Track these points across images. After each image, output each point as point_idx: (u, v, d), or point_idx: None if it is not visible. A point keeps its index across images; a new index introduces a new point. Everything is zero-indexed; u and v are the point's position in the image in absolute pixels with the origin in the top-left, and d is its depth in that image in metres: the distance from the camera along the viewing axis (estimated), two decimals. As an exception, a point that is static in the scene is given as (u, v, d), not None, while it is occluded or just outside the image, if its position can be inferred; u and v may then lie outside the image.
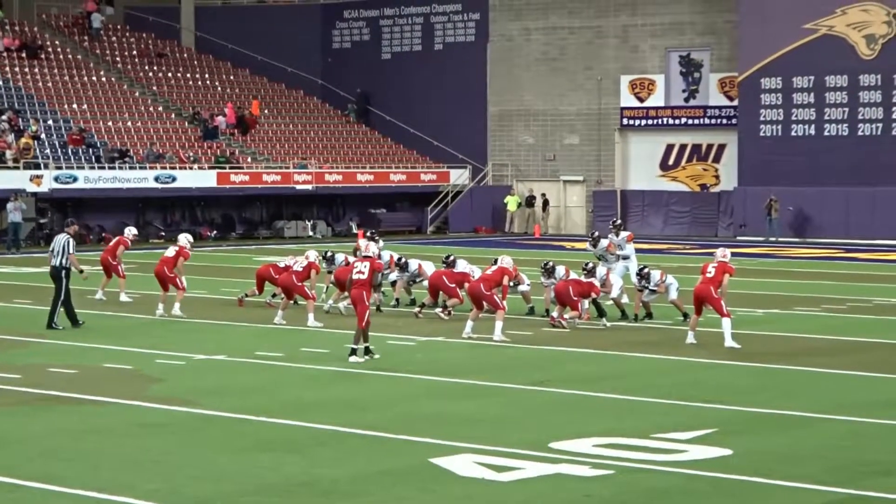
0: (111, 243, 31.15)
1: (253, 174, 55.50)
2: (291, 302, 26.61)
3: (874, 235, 51.66)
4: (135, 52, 63.48)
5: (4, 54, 57.80)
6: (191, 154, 55.32)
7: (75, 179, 50.55)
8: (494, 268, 24.45)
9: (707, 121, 57.84)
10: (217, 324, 26.05)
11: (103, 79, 59.50)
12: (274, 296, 28.16)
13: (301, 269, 26.14)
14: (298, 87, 65.68)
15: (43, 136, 52.47)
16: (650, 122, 58.86)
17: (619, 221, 32.26)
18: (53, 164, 50.65)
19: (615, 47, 59.30)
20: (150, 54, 63.64)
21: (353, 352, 20.68)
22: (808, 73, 53.97)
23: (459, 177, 61.16)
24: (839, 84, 53.63)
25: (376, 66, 65.41)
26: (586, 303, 25.50)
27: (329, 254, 29.41)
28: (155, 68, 62.51)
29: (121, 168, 52.28)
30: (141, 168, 52.80)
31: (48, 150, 51.82)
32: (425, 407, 17.10)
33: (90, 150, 53.17)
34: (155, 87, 61.00)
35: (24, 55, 58.45)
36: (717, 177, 57.91)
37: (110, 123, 55.84)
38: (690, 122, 58.15)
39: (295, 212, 58.09)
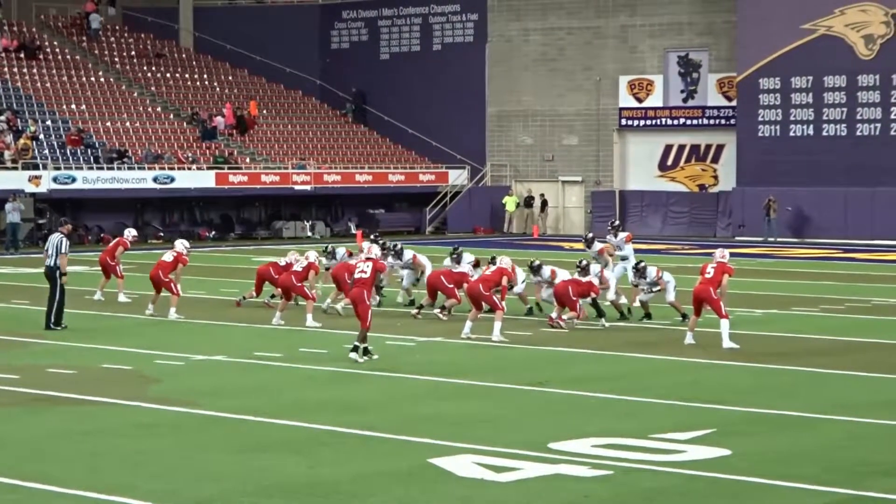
0: (110, 244, 31.11)
1: (251, 175, 55.50)
2: (290, 302, 26.60)
3: (873, 236, 51.67)
4: (133, 53, 63.47)
5: (3, 55, 57.80)
6: (189, 154, 55.31)
7: (74, 180, 50.55)
8: (493, 268, 24.45)
9: (706, 121, 57.86)
10: (216, 324, 26.05)
11: (102, 79, 59.50)
12: (273, 296, 28.16)
13: (301, 270, 26.15)
14: (297, 87, 65.68)
15: (41, 136, 52.46)
16: (649, 122, 58.87)
17: (617, 222, 32.22)
18: (52, 164, 50.65)
19: (614, 48, 59.31)
20: (149, 55, 63.64)
21: (356, 348, 20.66)
22: (806, 73, 53.99)
23: (458, 177, 61.17)
24: (838, 84, 53.65)
25: (375, 66, 65.41)
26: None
27: (329, 248, 29.44)
28: (153, 69, 62.51)
29: (119, 168, 52.27)
30: (139, 168, 52.80)
31: (47, 151, 51.82)
32: (424, 407, 17.10)
33: (89, 150, 53.17)
34: (153, 88, 61.00)
35: (22, 56, 58.44)
36: (715, 177, 57.93)
37: (109, 124, 55.83)
38: (689, 122, 58.16)
39: (293, 212, 58.10)
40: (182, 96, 61.25)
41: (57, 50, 60.86)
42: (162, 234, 53.47)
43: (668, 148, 58.79)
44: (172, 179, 53.02)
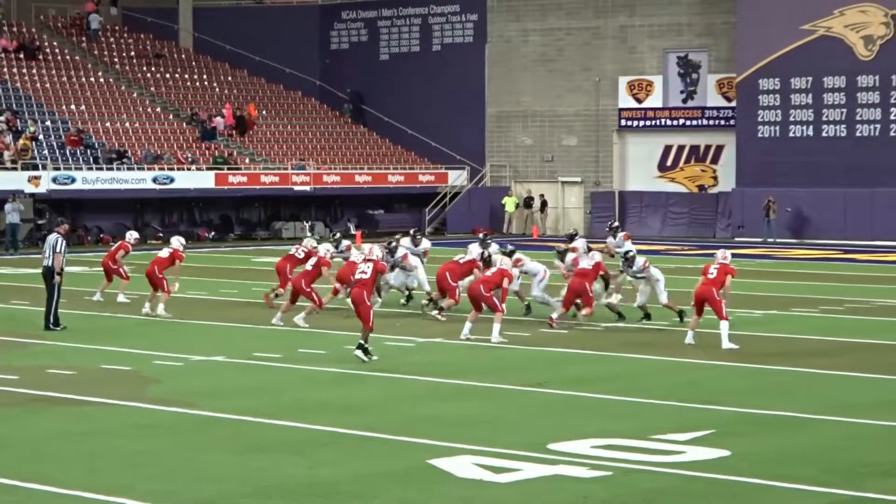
0: (113, 248, 30.92)
1: (251, 175, 55.50)
2: (293, 305, 26.24)
3: (872, 236, 51.67)
4: (133, 53, 63.48)
5: (2, 55, 57.79)
6: (189, 155, 55.32)
7: (73, 180, 50.55)
8: (494, 269, 24.44)
9: (705, 122, 57.86)
10: (215, 325, 26.05)
11: (101, 80, 59.50)
12: (277, 296, 28.13)
13: (311, 268, 25.82)
14: (296, 88, 65.68)
15: (41, 137, 52.45)
16: (648, 123, 58.88)
17: (616, 224, 32.10)
18: (51, 164, 50.65)
19: (613, 48, 59.32)
20: (148, 55, 63.64)
21: (361, 347, 20.62)
22: (806, 74, 54.00)
23: (457, 178, 61.18)
24: (837, 85, 53.65)
25: (374, 66, 65.41)
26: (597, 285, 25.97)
27: (337, 235, 29.35)
28: (153, 69, 62.51)
29: (119, 169, 52.27)
30: (139, 169, 52.80)
31: (46, 151, 51.82)
32: (424, 408, 17.11)
33: (88, 151, 53.17)
34: (153, 88, 61.00)
35: (21, 56, 58.45)
36: (715, 178, 57.94)
37: (108, 124, 55.83)
38: (688, 123, 58.16)
39: (293, 213, 58.11)
40: (181, 97, 61.26)
41: (56, 50, 60.86)
42: (161, 234, 53.43)
43: (668, 149, 58.80)
44: (172, 180, 53.02)
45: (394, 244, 28.84)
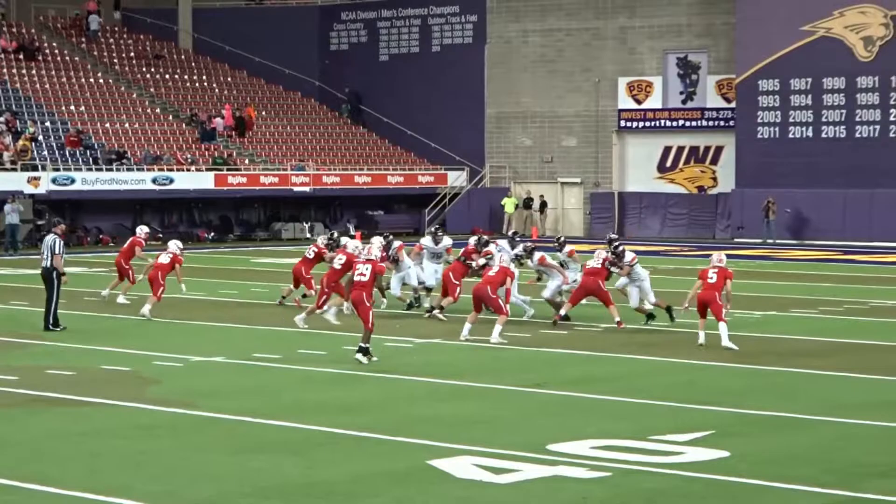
0: (125, 245, 30.68)
1: (250, 176, 55.51)
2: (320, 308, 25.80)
3: (871, 237, 51.68)
4: (132, 54, 63.50)
5: (2, 56, 57.80)
6: (188, 156, 55.33)
7: (73, 181, 50.56)
8: (496, 269, 24.38)
9: (704, 123, 57.89)
10: (214, 325, 26.06)
11: (101, 80, 59.51)
12: (304, 296, 28.14)
13: (339, 267, 25.48)
14: (296, 88, 65.69)
15: (40, 137, 52.46)
16: (648, 123, 58.90)
17: (562, 238, 30.26)
18: (51, 165, 50.66)
19: (613, 49, 59.34)
20: (148, 56, 63.65)
21: (362, 350, 20.67)
22: (805, 75, 54.02)
23: (457, 179, 61.19)
24: (837, 86, 53.67)
25: (374, 67, 65.42)
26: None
27: (335, 235, 29.16)
28: (152, 70, 62.53)
29: (118, 170, 52.29)
30: (138, 170, 52.81)
31: (45, 152, 51.83)
32: (423, 409, 17.11)
33: (88, 151, 53.18)
34: (152, 89, 61.02)
35: (21, 57, 58.46)
36: (714, 179, 57.96)
37: (108, 125, 55.85)
38: (688, 124, 58.18)
39: (292, 213, 58.12)
40: (181, 97, 61.27)
41: (56, 51, 60.88)
42: (161, 235, 53.43)
43: (667, 149, 58.82)
44: (171, 181, 53.03)
45: (391, 237, 28.79)
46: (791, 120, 54.63)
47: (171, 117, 59.24)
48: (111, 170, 52.11)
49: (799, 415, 16.50)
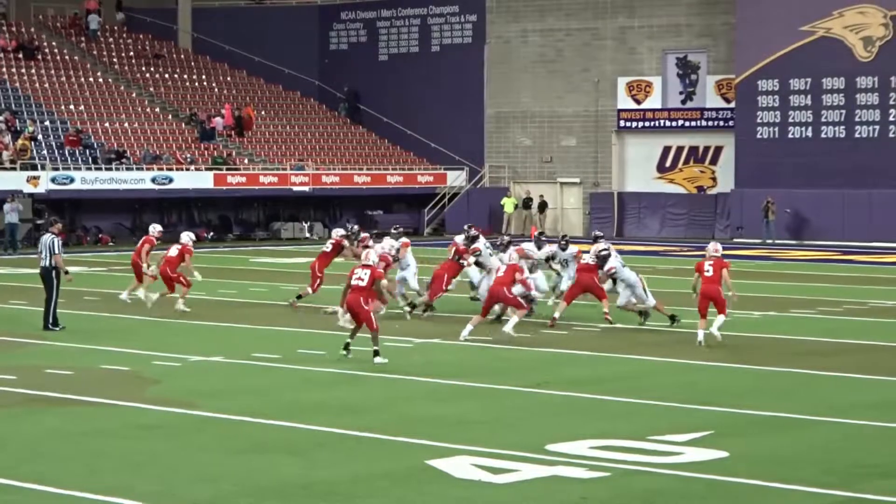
0: (139, 244, 30.49)
1: (250, 175, 55.50)
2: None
3: (871, 238, 51.67)
4: (132, 54, 63.48)
5: (1, 55, 57.79)
6: (188, 155, 55.32)
7: (72, 180, 50.55)
8: (503, 268, 24.32)
9: (704, 123, 57.89)
10: (214, 325, 26.06)
11: (100, 80, 59.50)
12: (299, 297, 28.22)
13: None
14: (295, 88, 65.68)
15: (40, 137, 52.45)
16: (647, 123, 58.91)
17: (567, 237, 29.97)
18: (50, 165, 50.66)
19: (612, 49, 59.35)
20: (147, 55, 63.64)
21: (376, 353, 20.73)
22: (804, 75, 54.03)
23: (456, 178, 61.19)
24: (836, 86, 53.68)
25: (373, 67, 65.42)
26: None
27: (356, 227, 28.94)
28: (152, 69, 62.52)
29: (118, 169, 52.28)
30: (138, 169, 52.80)
31: (45, 151, 51.82)
32: (422, 409, 17.12)
33: (87, 151, 53.17)
34: (152, 89, 61.01)
35: (20, 56, 58.45)
36: (714, 179, 57.97)
37: (107, 124, 55.84)
38: (687, 124, 58.19)
39: (292, 213, 58.10)
40: (180, 97, 61.26)
41: (55, 50, 60.86)
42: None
43: (667, 149, 58.83)
44: (171, 180, 53.03)
45: (401, 229, 28.73)
46: (790, 120, 54.64)
47: (170, 117, 59.23)
48: (110, 169, 52.10)
49: (798, 415, 16.51)
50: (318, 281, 28.15)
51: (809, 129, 54.32)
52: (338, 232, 28.82)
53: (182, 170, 53.80)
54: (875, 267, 42.34)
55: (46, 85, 57.05)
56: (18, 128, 52.26)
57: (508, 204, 59.94)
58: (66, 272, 24.94)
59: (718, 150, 57.67)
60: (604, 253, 25.92)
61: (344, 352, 21.01)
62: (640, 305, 25.99)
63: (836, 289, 33.86)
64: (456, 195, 60.33)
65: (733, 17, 55.83)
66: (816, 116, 54.13)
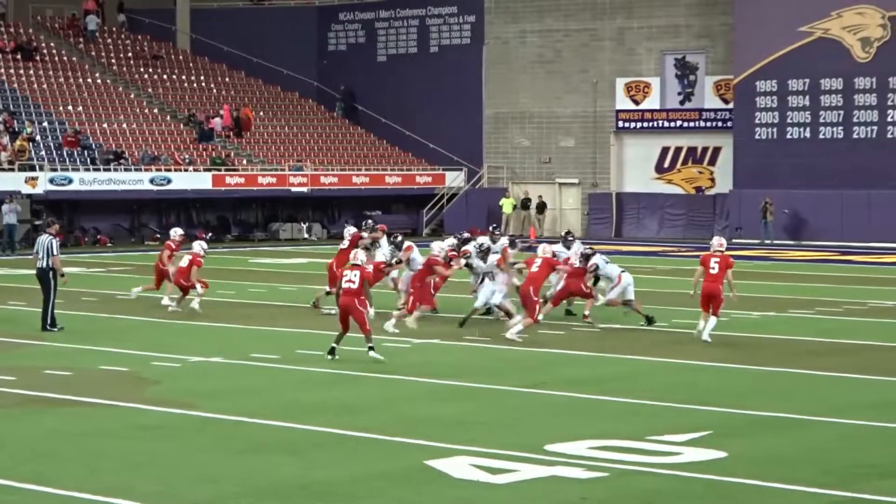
0: (162, 250, 30.26)
1: (248, 176, 55.50)
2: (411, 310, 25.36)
3: (869, 238, 51.69)
4: (130, 54, 63.47)
5: None
6: (186, 156, 55.33)
7: (70, 181, 50.55)
8: (539, 262, 24.19)
9: (702, 123, 57.90)
10: (213, 326, 26.06)
11: (98, 81, 59.49)
12: (328, 293, 28.08)
13: (424, 268, 25.12)
14: (294, 89, 65.68)
15: (38, 137, 52.45)
16: (645, 124, 58.91)
17: (572, 235, 30.11)
18: (48, 165, 50.65)
19: (611, 50, 59.35)
20: (146, 56, 63.64)
21: (371, 348, 20.82)
22: (803, 75, 54.05)
23: (455, 179, 61.19)
24: (834, 87, 53.69)
25: (372, 68, 65.43)
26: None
27: (399, 238, 28.61)
28: (150, 70, 62.51)
29: (116, 170, 52.27)
30: (136, 170, 52.80)
31: (43, 152, 51.82)
32: (421, 409, 17.12)
33: (85, 151, 53.17)
34: (150, 89, 61.01)
35: (19, 57, 58.44)
36: (712, 179, 57.97)
37: (105, 125, 55.84)
38: (686, 124, 58.19)
39: (290, 214, 58.10)
40: (179, 98, 61.25)
41: (54, 51, 60.85)
42: (159, 235, 53.46)
43: (665, 150, 58.83)
44: (169, 181, 53.03)
45: (400, 238, 28.60)
46: (789, 121, 54.65)
47: (168, 117, 59.23)
48: (109, 170, 52.09)
49: (797, 415, 16.52)
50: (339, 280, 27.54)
51: (808, 129, 54.34)
52: (350, 230, 28.77)
53: (180, 170, 53.80)
54: (873, 267, 42.36)
55: (45, 86, 57.05)
56: (17, 128, 52.26)
57: (507, 204, 59.93)
58: (62, 275, 24.91)
59: (717, 150, 57.68)
60: (587, 251, 26.09)
61: (329, 356, 21.00)
62: (619, 300, 25.92)
63: (835, 289, 33.87)
64: (454, 196, 60.33)
65: (731, 17, 55.85)
66: (815, 117, 54.14)
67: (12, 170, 49.70)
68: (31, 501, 12.30)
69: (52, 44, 61.63)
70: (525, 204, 60.45)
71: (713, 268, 23.12)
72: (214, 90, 62.95)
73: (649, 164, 59.06)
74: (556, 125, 60.67)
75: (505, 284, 25.43)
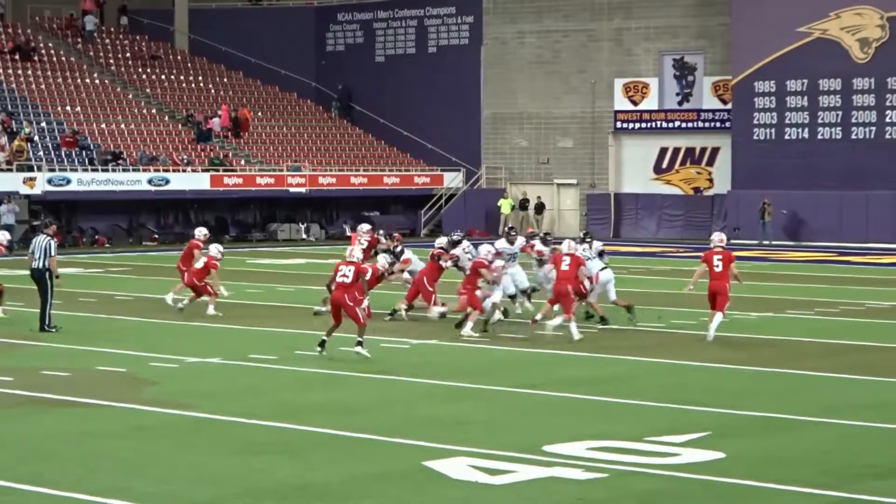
0: (185, 249, 29.83)
1: (246, 177, 55.49)
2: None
3: (867, 239, 51.72)
4: (128, 55, 63.47)
5: (-2, 56, 57.83)
6: (184, 156, 55.32)
7: (68, 182, 50.54)
8: (567, 260, 24.17)
9: (701, 124, 57.91)
10: (210, 326, 26.05)
11: (97, 81, 59.49)
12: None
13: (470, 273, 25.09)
14: (292, 89, 65.69)
15: (36, 138, 52.45)
16: (644, 125, 58.92)
17: (589, 234, 30.18)
18: (46, 166, 50.64)
19: (609, 50, 59.37)
20: (144, 56, 63.64)
21: (360, 343, 20.95)
22: (801, 76, 54.06)
23: (453, 180, 61.19)
24: (833, 87, 53.71)
25: (370, 68, 65.44)
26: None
27: (399, 248, 28.47)
28: (148, 70, 62.51)
29: (114, 170, 52.26)
30: (134, 170, 52.79)
31: (41, 153, 51.81)
32: (418, 410, 17.12)
33: (83, 152, 53.16)
34: (148, 90, 61.00)
35: (17, 57, 58.43)
36: (710, 180, 57.98)
37: (104, 126, 55.83)
38: (684, 125, 58.21)
39: (288, 214, 58.09)
40: (177, 98, 61.25)
41: (52, 51, 60.84)
42: (157, 235, 53.47)
43: (663, 151, 58.85)
44: (167, 181, 53.02)
45: (399, 248, 28.60)
46: (787, 121, 54.67)
47: (167, 118, 59.22)
48: (107, 170, 52.08)
49: (795, 416, 16.52)
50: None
51: (806, 130, 54.35)
52: (364, 227, 28.86)
53: (178, 171, 53.79)
54: (872, 268, 42.36)
55: (43, 86, 57.04)
56: (15, 129, 52.24)
57: (505, 205, 59.94)
58: (57, 276, 24.88)
59: (715, 151, 57.69)
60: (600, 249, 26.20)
61: (319, 348, 21.19)
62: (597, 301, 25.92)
63: (833, 290, 33.88)
64: (453, 196, 60.33)
65: (730, 18, 55.86)
66: (813, 118, 54.16)
67: (10, 170, 49.69)
68: (28, 502, 12.29)
69: (50, 44, 61.62)
70: (523, 205, 60.44)
71: (717, 265, 23.31)
72: (213, 90, 62.94)
73: (647, 164, 59.07)
74: (555, 126, 60.69)
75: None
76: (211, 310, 27.33)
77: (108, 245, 51.36)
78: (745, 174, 55.18)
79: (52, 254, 24.73)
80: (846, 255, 47.13)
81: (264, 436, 15.25)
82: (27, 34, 61.33)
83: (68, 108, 56.05)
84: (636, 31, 58.85)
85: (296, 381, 19.40)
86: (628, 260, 42.54)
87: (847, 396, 18.23)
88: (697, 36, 57.81)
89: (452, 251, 26.91)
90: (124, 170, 52.60)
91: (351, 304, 20.94)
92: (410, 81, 63.59)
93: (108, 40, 64.25)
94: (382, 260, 26.68)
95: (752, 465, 13.59)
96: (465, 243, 27.35)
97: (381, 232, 29.89)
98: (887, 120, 52.79)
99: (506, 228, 28.35)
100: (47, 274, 24.67)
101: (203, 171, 54.67)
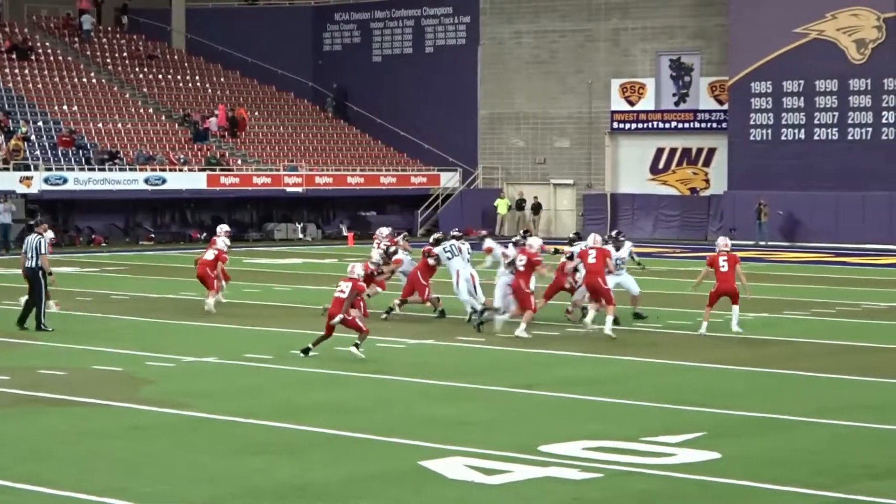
0: (207, 249, 29.68)
1: (243, 176, 55.48)
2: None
3: (863, 240, 51.75)
4: (125, 54, 63.45)
5: (-5, 55, 57.81)
6: (181, 156, 55.31)
7: (65, 181, 50.52)
8: (594, 253, 24.20)
9: (697, 125, 57.94)
10: (207, 326, 26.05)
11: (94, 80, 59.47)
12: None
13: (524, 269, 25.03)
14: (289, 89, 65.69)
15: (33, 137, 52.42)
16: (640, 125, 58.94)
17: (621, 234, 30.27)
18: (43, 165, 50.63)
19: (606, 51, 59.39)
20: (141, 56, 63.62)
21: (357, 346, 21.07)
22: (798, 77, 54.10)
23: (450, 180, 61.20)
24: (829, 88, 53.74)
25: (367, 68, 65.42)
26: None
27: (391, 249, 28.35)
28: (145, 70, 62.49)
29: (111, 170, 52.25)
30: (131, 170, 52.78)
31: (38, 152, 51.79)
32: (415, 410, 17.13)
33: (80, 151, 53.15)
34: (145, 89, 60.98)
35: (13, 56, 58.40)
36: (707, 181, 58.01)
37: (100, 125, 55.81)
38: (681, 125, 58.23)
39: (285, 214, 58.09)
40: (174, 98, 61.24)
41: (49, 51, 60.82)
42: (153, 235, 53.45)
43: (660, 151, 58.87)
44: (164, 181, 53.00)
45: (393, 249, 28.58)
46: (783, 122, 54.70)
47: (163, 117, 59.21)
48: (104, 170, 52.08)
49: (791, 416, 16.54)
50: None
51: (802, 131, 54.38)
52: (384, 231, 29.03)
53: (175, 170, 53.77)
54: (868, 269, 42.38)
55: (39, 85, 57.01)
56: (11, 128, 52.22)
57: (502, 205, 59.96)
58: (50, 273, 24.93)
59: (711, 151, 57.72)
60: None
61: (302, 354, 21.21)
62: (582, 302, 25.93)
63: (829, 290, 33.90)
64: (449, 196, 60.34)
65: (727, 19, 55.89)
66: (809, 118, 54.19)
67: (7, 169, 49.67)
68: (26, 501, 12.29)
69: (47, 43, 61.60)
70: (520, 205, 60.46)
71: (723, 266, 23.77)
72: (209, 90, 62.93)
73: (644, 165, 59.10)
74: (551, 126, 60.70)
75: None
76: (210, 304, 27.33)
77: (104, 244, 51.35)
78: (741, 175, 55.21)
79: (43, 251, 24.75)
80: (842, 256, 47.16)
81: (262, 436, 15.26)
82: (24, 33, 61.30)
83: (65, 107, 56.04)
84: (633, 31, 58.88)
85: (293, 381, 19.40)
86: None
87: (843, 397, 18.26)
88: (694, 36, 57.84)
89: (434, 249, 26.99)
90: (121, 169, 52.59)
91: (346, 318, 21.04)
92: (407, 81, 63.60)
93: (104, 40, 64.22)
94: (376, 255, 26.80)
95: (747, 466, 13.61)
96: (447, 243, 27.29)
97: (405, 234, 30.12)
98: (883, 121, 52.83)
99: (521, 232, 28.31)
100: (40, 273, 24.67)
101: (200, 170, 54.66)
